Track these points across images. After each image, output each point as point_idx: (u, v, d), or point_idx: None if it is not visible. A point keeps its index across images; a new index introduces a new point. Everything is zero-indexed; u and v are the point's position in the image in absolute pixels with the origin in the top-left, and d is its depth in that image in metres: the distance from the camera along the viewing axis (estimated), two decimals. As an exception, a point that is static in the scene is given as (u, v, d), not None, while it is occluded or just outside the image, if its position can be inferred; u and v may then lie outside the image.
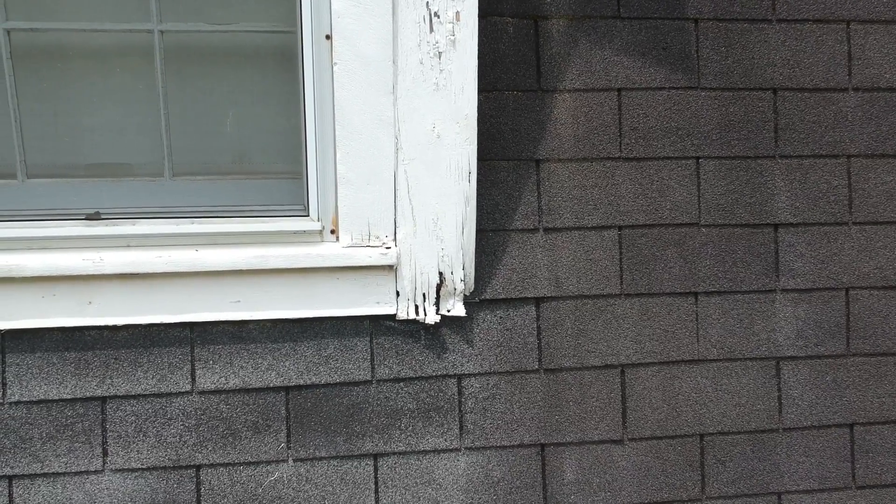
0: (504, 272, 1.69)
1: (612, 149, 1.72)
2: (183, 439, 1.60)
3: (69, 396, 1.57)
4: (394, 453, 1.66)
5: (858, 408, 1.81)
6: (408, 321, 1.66)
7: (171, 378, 1.59)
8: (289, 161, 1.67)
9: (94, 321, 1.55)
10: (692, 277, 1.75)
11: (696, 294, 1.75)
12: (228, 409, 1.61)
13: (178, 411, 1.60)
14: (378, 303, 1.62)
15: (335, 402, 1.64)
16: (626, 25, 1.71)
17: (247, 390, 1.62)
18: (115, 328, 1.58)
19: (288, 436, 1.63)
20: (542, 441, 1.71)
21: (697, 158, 1.75)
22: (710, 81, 1.74)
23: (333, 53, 1.51)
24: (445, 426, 1.68)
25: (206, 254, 1.54)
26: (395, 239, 1.60)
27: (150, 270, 1.52)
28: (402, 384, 1.67)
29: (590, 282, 1.72)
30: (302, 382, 1.63)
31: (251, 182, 1.69)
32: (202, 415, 1.61)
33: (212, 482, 1.61)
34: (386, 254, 1.58)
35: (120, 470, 1.59)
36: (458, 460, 1.68)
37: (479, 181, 1.65)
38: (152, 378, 1.59)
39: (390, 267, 1.61)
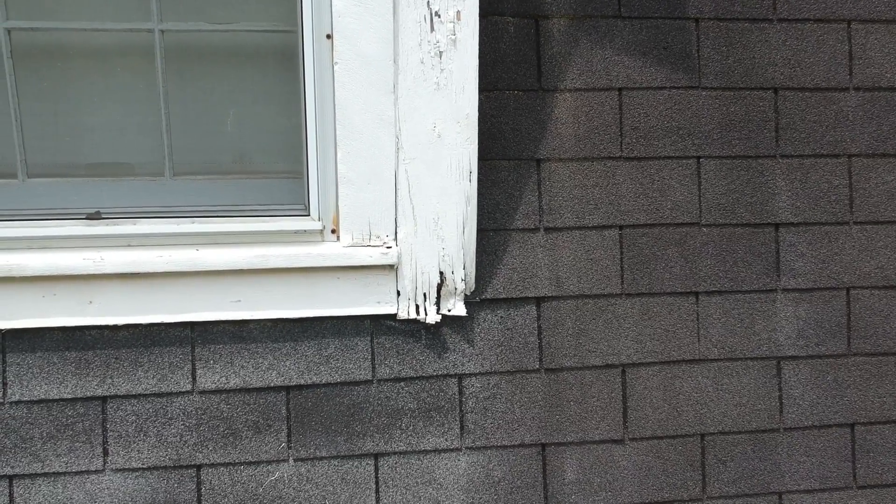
0: (505, 272, 1.69)
1: (612, 148, 1.72)
2: (183, 439, 1.60)
3: (70, 396, 1.57)
4: (394, 453, 1.66)
5: (859, 407, 1.81)
6: (408, 321, 1.66)
7: (171, 378, 1.59)
8: (289, 160, 1.67)
9: (95, 321, 1.55)
10: (693, 277, 1.75)
11: (696, 294, 1.75)
12: (229, 408, 1.61)
13: (178, 411, 1.60)
14: (379, 302, 1.62)
15: (336, 401, 1.64)
16: (626, 25, 1.71)
17: (247, 390, 1.62)
18: (115, 328, 1.58)
19: (288, 435, 1.63)
20: (542, 441, 1.71)
21: (698, 158, 1.75)
22: (711, 81, 1.74)
23: (334, 53, 1.51)
24: (446, 426, 1.68)
25: (207, 253, 1.54)
26: (395, 238, 1.60)
27: (151, 270, 1.52)
28: (402, 384, 1.66)
29: (591, 281, 1.71)
30: (303, 382, 1.63)
31: (252, 182, 1.69)
32: (203, 414, 1.60)
33: (212, 482, 1.61)
34: (387, 253, 1.58)
35: (120, 470, 1.58)
36: (458, 460, 1.68)
37: (479, 181, 1.65)
38: (153, 378, 1.59)
39: (391, 266, 1.61)
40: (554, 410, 1.71)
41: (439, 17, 1.51)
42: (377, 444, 1.66)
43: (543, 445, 1.71)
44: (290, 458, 1.63)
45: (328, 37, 1.52)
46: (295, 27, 1.56)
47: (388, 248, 1.59)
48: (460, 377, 1.68)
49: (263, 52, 1.66)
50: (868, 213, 1.80)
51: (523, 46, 1.68)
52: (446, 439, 1.68)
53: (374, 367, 1.65)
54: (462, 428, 1.68)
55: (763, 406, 1.78)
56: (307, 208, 1.61)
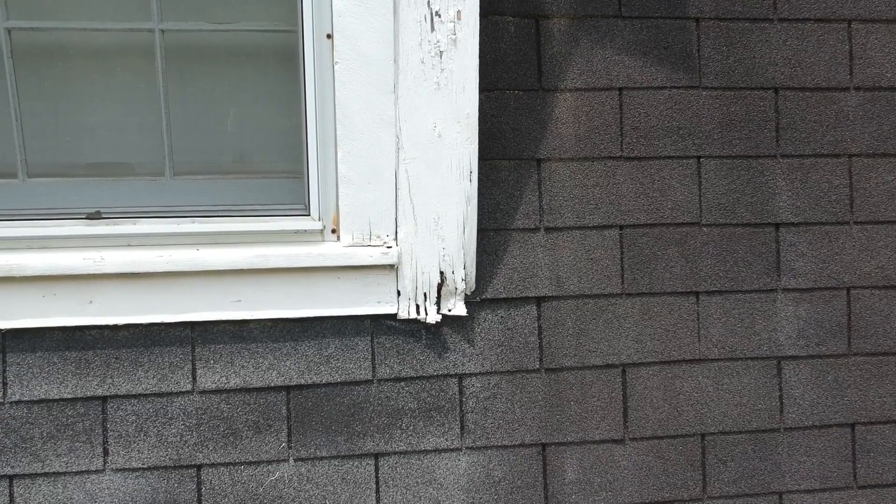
0: (505, 272, 1.69)
1: (613, 148, 1.72)
2: (184, 439, 1.60)
3: (70, 396, 1.57)
4: (395, 453, 1.66)
5: (860, 407, 1.81)
6: (409, 321, 1.66)
7: (171, 377, 1.59)
8: (290, 160, 1.67)
9: (95, 321, 1.55)
10: (693, 277, 1.75)
11: (697, 293, 1.75)
12: (229, 408, 1.61)
13: (178, 411, 1.60)
14: (379, 302, 1.62)
15: (336, 401, 1.64)
16: (627, 25, 1.71)
17: (248, 390, 1.62)
18: (115, 327, 1.58)
19: (289, 435, 1.63)
20: (543, 441, 1.71)
21: (699, 158, 1.75)
22: (712, 81, 1.74)
23: (335, 52, 1.51)
24: (446, 426, 1.67)
25: (207, 253, 1.54)
26: (396, 238, 1.60)
27: (151, 270, 1.52)
28: (403, 384, 1.66)
29: (591, 281, 1.71)
30: (303, 382, 1.63)
31: (252, 181, 1.69)
32: (203, 414, 1.60)
33: (213, 482, 1.61)
34: (387, 253, 1.58)
35: (121, 469, 1.58)
36: (459, 460, 1.68)
37: (480, 180, 1.65)
38: (153, 377, 1.59)
39: (391, 266, 1.61)
40: (554, 410, 1.71)
41: (439, 16, 1.51)
42: (377, 444, 1.65)
43: (544, 445, 1.71)
44: (291, 458, 1.63)
45: (328, 36, 1.52)
46: (295, 27, 1.56)
47: (388, 247, 1.59)
48: (461, 377, 1.68)
49: (264, 51, 1.66)
50: (868, 213, 1.79)
51: (524, 46, 1.68)
52: (447, 439, 1.68)
53: (374, 367, 1.65)
54: (462, 428, 1.68)
55: (763, 406, 1.78)
56: (307, 208, 1.61)
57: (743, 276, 1.76)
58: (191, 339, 1.60)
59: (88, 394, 1.57)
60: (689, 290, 1.75)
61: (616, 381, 1.73)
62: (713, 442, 1.76)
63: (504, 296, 1.69)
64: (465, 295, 1.66)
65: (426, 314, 1.64)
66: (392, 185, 1.58)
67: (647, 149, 1.73)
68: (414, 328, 1.66)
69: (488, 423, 1.69)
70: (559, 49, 1.69)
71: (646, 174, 1.73)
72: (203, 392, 1.61)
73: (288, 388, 1.63)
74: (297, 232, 1.59)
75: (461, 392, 1.68)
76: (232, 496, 1.62)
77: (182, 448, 1.60)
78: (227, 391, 1.61)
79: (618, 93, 1.71)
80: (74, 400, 1.57)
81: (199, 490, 1.61)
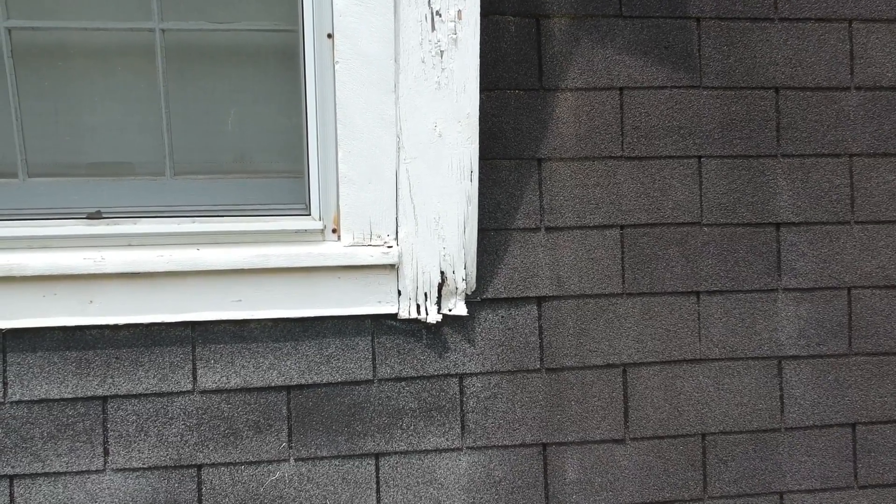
0: (506, 271, 1.69)
1: (613, 148, 1.72)
2: (184, 439, 1.60)
3: (70, 396, 1.56)
4: (395, 453, 1.66)
5: (861, 407, 1.81)
6: (409, 320, 1.65)
7: (172, 377, 1.59)
8: (290, 160, 1.67)
9: (96, 320, 1.55)
10: (694, 277, 1.75)
11: (697, 293, 1.75)
12: (230, 408, 1.61)
13: (179, 411, 1.60)
14: (380, 302, 1.62)
15: (337, 401, 1.64)
16: (627, 24, 1.71)
17: (248, 390, 1.62)
18: (116, 327, 1.57)
19: (289, 435, 1.63)
20: (543, 440, 1.71)
21: (699, 157, 1.74)
22: (712, 80, 1.74)
23: (335, 52, 1.51)
24: (447, 425, 1.67)
25: (208, 253, 1.54)
26: (396, 238, 1.60)
27: (152, 269, 1.52)
28: (403, 383, 1.66)
29: (591, 281, 1.71)
30: (303, 382, 1.63)
31: (252, 181, 1.69)
32: (203, 414, 1.60)
33: (213, 482, 1.61)
34: (387, 253, 1.58)
35: (121, 469, 1.58)
36: (459, 460, 1.68)
37: (480, 180, 1.65)
38: (153, 377, 1.59)
39: (392, 266, 1.61)
40: (555, 410, 1.71)
41: (440, 16, 1.51)
42: (378, 444, 1.65)
43: (544, 445, 1.71)
44: (291, 458, 1.63)
45: (329, 36, 1.52)
46: (296, 26, 1.56)
47: (388, 247, 1.59)
48: (461, 377, 1.68)
49: (264, 51, 1.66)
50: (869, 213, 1.79)
51: (524, 46, 1.68)
52: (447, 439, 1.67)
53: (374, 367, 1.65)
54: (463, 428, 1.68)
55: (764, 406, 1.78)
56: (308, 208, 1.61)
57: (744, 276, 1.76)
58: (191, 339, 1.60)
59: (89, 394, 1.57)
60: (689, 290, 1.75)
61: (617, 380, 1.73)
62: (714, 442, 1.76)
63: (505, 295, 1.68)
64: (466, 295, 1.66)
65: (427, 314, 1.64)
66: (393, 185, 1.57)
67: (647, 148, 1.73)
68: (414, 328, 1.66)
69: (489, 423, 1.69)
70: (560, 48, 1.69)
71: (646, 174, 1.73)
72: (203, 392, 1.60)
73: (288, 388, 1.63)
74: (297, 232, 1.59)
75: (462, 392, 1.68)
76: (232, 496, 1.61)
77: (182, 448, 1.60)
78: (228, 391, 1.61)
79: (618, 92, 1.71)
80: (75, 400, 1.57)
81: (199, 490, 1.60)
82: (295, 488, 1.63)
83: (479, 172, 1.63)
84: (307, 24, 1.52)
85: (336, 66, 1.51)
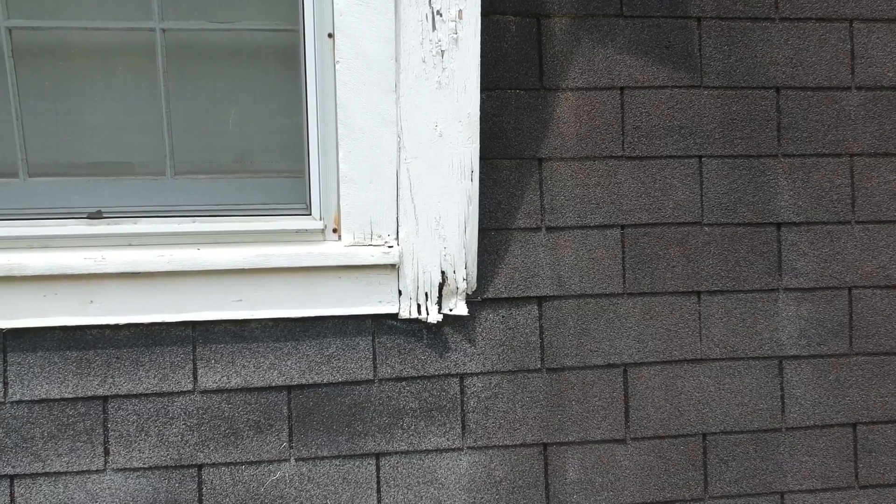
0: (506, 271, 1.69)
1: (614, 147, 1.72)
2: (185, 439, 1.60)
3: (71, 396, 1.56)
4: (396, 453, 1.66)
5: (861, 407, 1.81)
6: (410, 320, 1.65)
7: (172, 377, 1.59)
8: (291, 160, 1.66)
9: (96, 320, 1.55)
10: (695, 276, 1.75)
11: (698, 293, 1.75)
12: (230, 408, 1.61)
13: (179, 410, 1.60)
14: (380, 302, 1.62)
15: (337, 401, 1.64)
16: (628, 24, 1.71)
17: (249, 389, 1.62)
18: (116, 327, 1.57)
19: (290, 435, 1.63)
20: (544, 440, 1.70)
21: (700, 157, 1.74)
22: (713, 80, 1.74)
23: (336, 52, 1.51)
24: (448, 425, 1.67)
25: (208, 253, 1.54)
26: (397, 238, 1.60)
27: (152, 269, 1.52)
28: (404, 383, 1.66)
29: (592, 281, 1.71)
30: (304, 382, 1.63)
31: (253, 181, 1.69)
32: (204, 414, 1.60)
33: (214, 482, 1.61)
34: (388, 253, 1.58)
35: (122, 469, 1.58)
36: (460, 460, 1.68)
37: (481, 180, 1.65)
38: (154, 377, 1.58)
39: (392, 266, 1.61)
40: (556, 410, 1.71)
41: (441, 15, 1.50)
42: (379, 444, 1.65)
43: (545, 445, 1.71)
44: (292, 458, 1.63)
45: (330, 36, 1.52)
46: (296, 26, 1.56)
47: (389, 247, 1.59)
48: (462, 377, 1.68)
49: (265, 51, 1.65)
50: (870, 213, 1.79)
51: (525, 45, 1.68)
52: (448, 439, 1.67)
53: (375, 367, 1.65)
54: (464, 427, 1.68)
55: (765, 405, 1.77)
56: (308, 207, 1.60)
57: (744, 276, 1.76)
58: (192, 339, 1.60)
59: (89, 393, 1.57)
60: (690, 290, 1.75)
61: (617, 380, 1.73)
62: (715, 442, 1.76)
63: (505, 295, 1.68)
64: (467, 294, 1.66)
65: (427, 314, 1.64)
66: (393, 185, 1.57)
67: (648, 148, 1.73)
68: (415, 328, 1.66)
69: (490, 423, 1.69)
70: (560, 48, 1.69)
71: (647, 174, 1.73)
72: (204, 392, 1.60)
73: (289, 388, 1.63)
74: (298, 231, 1.59)
75: (462, 392, 1.68)
76: (233, 496, 1.61)
77: (183, 448, 1.60)
78: (229, 391, 1.61)
79: (619, 92, 1.71)
80: (75, 400, 1.57)
81: (200, 490, 1.60)
82: (295, 488, 1.63)
83: (480, 172, 1.63)
84: (308, 23, 1.52)
85: (337, 66, 1.51)
